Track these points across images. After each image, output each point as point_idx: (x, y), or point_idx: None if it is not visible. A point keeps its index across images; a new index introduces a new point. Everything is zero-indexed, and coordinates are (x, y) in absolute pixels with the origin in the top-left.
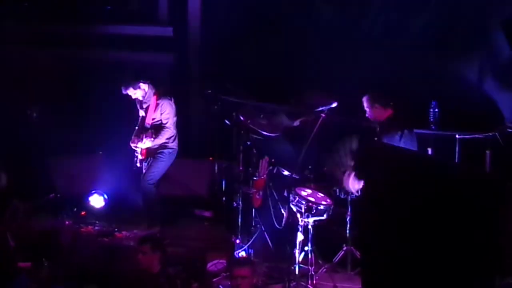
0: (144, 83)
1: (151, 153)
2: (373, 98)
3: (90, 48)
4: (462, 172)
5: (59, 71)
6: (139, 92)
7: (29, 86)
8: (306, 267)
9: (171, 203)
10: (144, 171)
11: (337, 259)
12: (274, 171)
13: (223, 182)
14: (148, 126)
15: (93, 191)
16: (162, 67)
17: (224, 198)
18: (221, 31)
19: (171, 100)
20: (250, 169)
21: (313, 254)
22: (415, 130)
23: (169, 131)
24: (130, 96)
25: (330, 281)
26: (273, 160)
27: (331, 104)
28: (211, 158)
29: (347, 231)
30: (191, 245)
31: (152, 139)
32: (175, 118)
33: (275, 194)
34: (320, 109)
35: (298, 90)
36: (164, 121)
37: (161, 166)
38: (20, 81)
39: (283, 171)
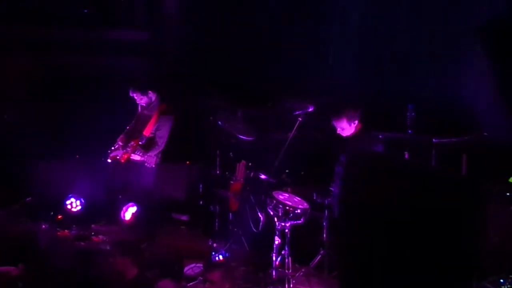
0: (153, 92)
1: (131, 162)
2: (336, 116)
3: (67, 52)
4: (438, 175)
5: (36, 75)
6: (145, 99)
7: (5, 90)
8: (283, 271)
9: (149, 207)
10: (113, 173)
11: (314, 263)
12: (251, 175)
13: (200, 186)
14: (144, 138)
15: (70, 195)
16: (139, 70)
17: (201, 202)
18: (198, 35)
19: (171, 118)
20: (227, 172)
21: (290, 258)
22: (390, 134)
23: (159, 148)
24: (134, 99)
25: (307, 285)
26: (250, 164)
27: (308, 108)
28: (188, 162)
29: (324, 235)
30: (169, 249)
31: (142, 155)
32: (167, 136)
33: (252, 198)
34: (297, 113)
35: (275, 95)
36: (158, 138)
37: (147, 181)
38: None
39: (260, 175)
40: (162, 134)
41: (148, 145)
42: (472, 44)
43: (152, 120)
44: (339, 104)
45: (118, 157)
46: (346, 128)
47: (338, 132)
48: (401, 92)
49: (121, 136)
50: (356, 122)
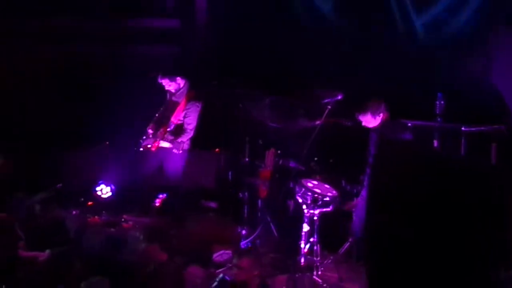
0: (182, 79)
1: (161, 150)
2: (361, 111)
3: (97, 41)
4: (468, 165)
5: (66, 65)
6: (174, 85)
7: (37, 80)
8: (312, 258)
9: (178, 194)
10: (146, 161)
11: (343, 250)
12: (280, 163)
13: (230, 173)
14: (172, 124)
15: (100, 182)
16: (168, 59)
17: (230, 189)
18: (228, 24)
19: (199, 105)
20: (256, 160)
21: (318, 245)
22: (419, 122)
23: (188, 135)
24: (163, 85)
25: (335, 272)
26: (279, 151)
27: (337, 96)
28: (217, 150)
29: (353, 222)
30: (198, 235)
31: (170, 142)
32: (197, 123)
33: (281, 185)
34: (326, 101)
35: (304, 83)
36: (186, 125)
37: (177, 168)
38: (27, 74)
39: (289, 163)
40: (191, 121)
41: (177, 131)
42: (503, 31)
43: (180, 107)
44: (362, 99)
45: (149, 146)
46: (371, 121)
47: (363, 124)
48: (431, 80)
49: (151, 124)
50: (381, 115)
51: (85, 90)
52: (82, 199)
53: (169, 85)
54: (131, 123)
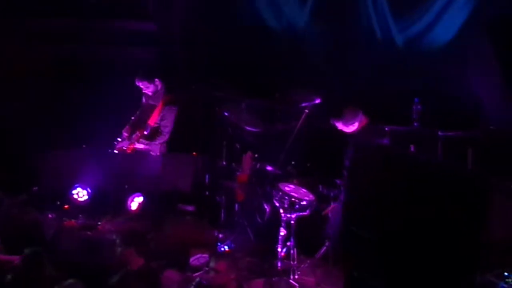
0: (160, 81)
1: (137, 152)
2: (336, 120)
3: (75, 43)
4: (444, 169)
5: (42, 66)
6: (152, 87)
7: (11, 81)
8: (288, 262)
9: (155, 197)
10: (120, 163)
11: (319, 254)
12: (258, 166)
13: (207, 177)
14: (149, 128)
15: (77, 185)
16: (146, 61)
17: (207, 193)
18: (206, 26)
19: (175, 109)
20: (233, 164)
21: (295, 249)
22: (395, 127)
23: (164, 138)
24: (140, 88)
25: (312, 276)
26: (256, 155)
27: (315, 100)
28: (194, 153)
29: (329, 227)
30: (174, 239)
31: (146, 144)
32: (172, 126)
33: (258, 189)
34: (303, 105)
35: (282, 87)
36: (162, 128)
37: (153, 170)
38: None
39: (266, 167)
40: (167, 124)
41: (153, 134)
42: (479, 38)
43: (157, 110)
44: (338, 105)
45: (124, 148)
46: (347, 128)
47: (339, 129)
48: (408, 86)
49: (126, 127)
50: (356, 123)
51: (62, 91)
52: (59, 202)
53: (147, 87)
54: (109, 126)
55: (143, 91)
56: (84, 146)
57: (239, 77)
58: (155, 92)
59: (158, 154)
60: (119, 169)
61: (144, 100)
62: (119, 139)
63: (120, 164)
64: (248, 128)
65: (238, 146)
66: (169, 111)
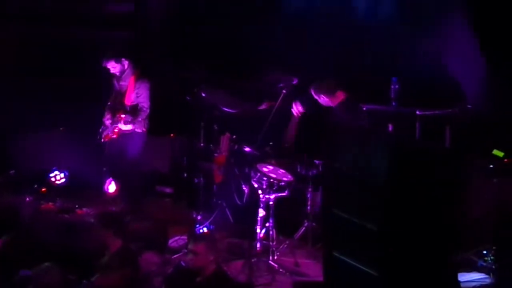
0: (126, 60)
1: (122, 135)
2: (316, 89)
3: (52, 24)
4: (422, 148)
5: (20, 47)
6: (119, 67)
7: None
8: (267, 243)
9: (133, 179)
10: (108, 150)
11: (298, 235)
12: (235, 148)
13: (184, 159)
14: (127, 107)
15: (54, 168)
16: (122, 43)
17: (185, 174)
18: (182, 7)
19: (148, 83)
20: (211, 145)
21: (274, 230)
22: (373, 106)
23: (145, 113)
24: (108, 70)
25: (291, 257)
26: (234, 136)
27: (292, 81)
28: (172, 135)
29: (308, 207)
30: (153, 221)
31: (131, 123)
32: (149, 100)
33: (236, 170)
34: (281, 85)
35: (259, 67)
36: (141, 105)
37: (138, 149)
38: None
39: (244, 148)
40: (144, 99)
41: (134, 112)
42: (456, 13)
43: (130, 88)
44: (318, 78)
45: (110, 134)
46: (326, 101)
47: (320, 102)
48: (385, 65)
49: (106, 114)
50: (337, 94)
51: (40, 73)
52: (36, 185)
53: (114, 68)
54: (86, 108)
55: (111, 72)
56: (61, 128)
57: (216, 58)
58: (122, 72)
59: (144, 130)
60: (108, 157)
61: (115, 82)
62: (101, 129)
63: (107, 151)
64: (225, 109)
65: (216, 128)
66: (142, 87)
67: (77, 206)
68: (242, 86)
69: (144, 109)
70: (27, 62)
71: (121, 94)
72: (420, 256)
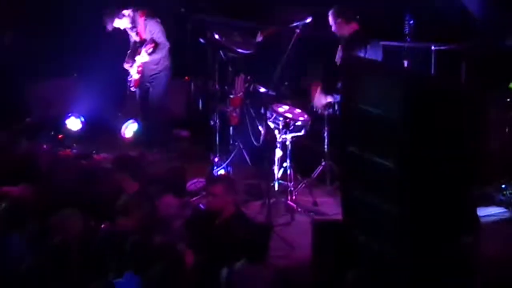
0: (126, 9)
1: (146, 76)
2: (337, 12)
3: None
4: (438, 83)
5: None
6: (125, 20)
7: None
8: (285, 183)
9: (149, 123)
10: (138, 97)
11: (316, 174)
12: (251, 89)
13: (200, 101)
14: (146, 43)
15: (70, 114)
16: None
17: (201, 117)
18: None
19: (158, 20)
20: (226, 87)
21: (291, 170)
22: (388, 42)
23: (164, 49)
24: (116, 28)
25: (309, 196)
26: (249, 77)
27: (306, 19)
28: (186, 78)
29: (325, 147)
30: (171, 164)
31: (149, 53)
32: (164, 34)
33: (252, 111)
34: (294, 24)
35: (271, 6)
36: (157, 40)
37: (162, 90)
38: None
39: (260, 88)
40: (158, 35)
41: (154, 47)
42: None
43: (141, 25)
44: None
45: (136, 78)
46: (340, 28)
47: (333, 30)
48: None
49: (126, 61)
50: (352, 24)
51: (53, 19)
52: (53, 132)
53: (122, 23)
54: (100, 53)
55: (124, 29)
56: (75, 74)
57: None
58: (132, 22)
59: (167, 64)
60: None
61: (130, 35)
62: (129, 77)
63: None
64: (239, 50)
65: (230, 69)
66: (152, 23)
67: (94, 151)
68: (255, 26)
69: (162, 43)
70: (39, 8)
71: (138, 41)
72: (439, 191)
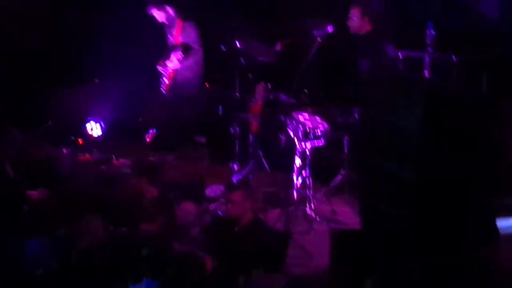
0: (168, 5)
1: (177, 83)
2: (365, 10)
3: None
4: (459, 94)
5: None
6: (162, 14)
7: (23, 15)
8: (304, 191)
9: (169, 129)
10: (164, 101)
11: (335, 183)
12: (271, 96)
13: (220, 108)
14: (178, 47)
15: (90, 119)
16: None
17: (221, 124)
18: None
19: (193, 24)
20: (246, 94)
21: (311, 179)
22: (409, 52)
23: (197, 55)
24: (155, 18)
25: (328, 205)
26: (269, 85)
27: (326, 28)
28: (206, 84)
29: (345, 155)
30: (190, 170)
31: (180, 59)
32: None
33: (272, 119)
34: (315, 33)
35: (293, 15)
36: (191, 45)
37: (191, 97)
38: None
39: (280, 96)
40: (193, 40)
41: (186, 51)
42: None
43: (178, 27)
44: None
45: (166, 82)
46: (356, 23)
47: (352, 25)
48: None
49: (160, 63)
50: (366, 19)
51: (76, 24)
52: (73, 137)
53: (158, 15)
54: (120, 60)
55: (159, 21)
56: (96, 80)
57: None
58: (170, 20)
59: (200, 70)
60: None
61: (167, 33)
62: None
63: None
64: (260, 58)
65: (251, 77)
66: (189, 27)
67: (113, 157)
68: (276, 34)
69: (195, 50)
70: (61, 15)
71: (172, 42)
72: (458, 202)
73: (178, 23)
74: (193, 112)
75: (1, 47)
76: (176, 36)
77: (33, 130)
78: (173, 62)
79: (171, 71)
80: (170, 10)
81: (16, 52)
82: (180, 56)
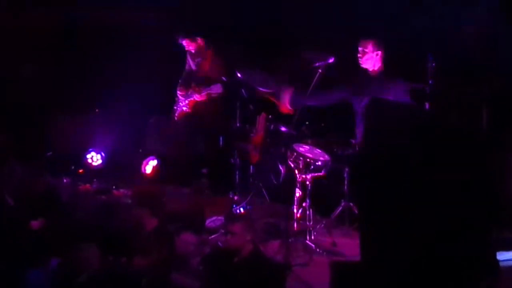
0: (202, 39)
1: (195, 113)
2: (379, 44)
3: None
4: (458, 126)
5: (55, 29)
6: (193, 45)
7: (24, 43)
8: (304, 223)
9: (169, 161)
10: (169, 128)
11: (335, 214)
12: (272, 127)
13: (220, 139)
14: (203, 79)
15: (91, 149)
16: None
17: (221, 155)
18: None
19: (223, 61)
20: (247, 125)
21: (311, 210)
22: (412, 84)
23: (219, 88)
24: (183, 45)
25: (329, 237)
26: (270, 116)
27: (328, 59)
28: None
29: (345, 187)
30: (190, 202)
31: (206, 92)
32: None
33: (272, 150)
34: (316, 65)
35: (294, 46)
36: (219, 75)
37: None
38: (13, 39)
39: (281, 127)
40: (220, 74)
41: (209, 83)
42: None
43: (208, 60)
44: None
45: (184, 109)
46: (370, 57)
47: (362, 59)
48: (420, 41)
49: (178, 90)
50: (379, 54)
51: (78, 53)
52: (73, 167)
53: (189, 46)
54: (122, 89)
55: (186, 49)
56: (97, 110)
57: (247, 35)
58: (197, 50)
59: (219, 91)
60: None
61: (188, 58)
62: (176, 105)
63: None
64: (261, 88)
65: (252, 107)
66: (218, 61)
67: (114, 187)
68: (277, 65)
69: (220, 81)
70: (62, 43)
71: (196, 71)
72: (458, 235)
73: (209, 56)
74: (208, 147)
75: (1, 75)
76: (204, 67)
77: (33, 160)
78: (202, 96)
79: (193, 102)
80: (201, 42)
81: (16, 81)
82: (215, 93)
